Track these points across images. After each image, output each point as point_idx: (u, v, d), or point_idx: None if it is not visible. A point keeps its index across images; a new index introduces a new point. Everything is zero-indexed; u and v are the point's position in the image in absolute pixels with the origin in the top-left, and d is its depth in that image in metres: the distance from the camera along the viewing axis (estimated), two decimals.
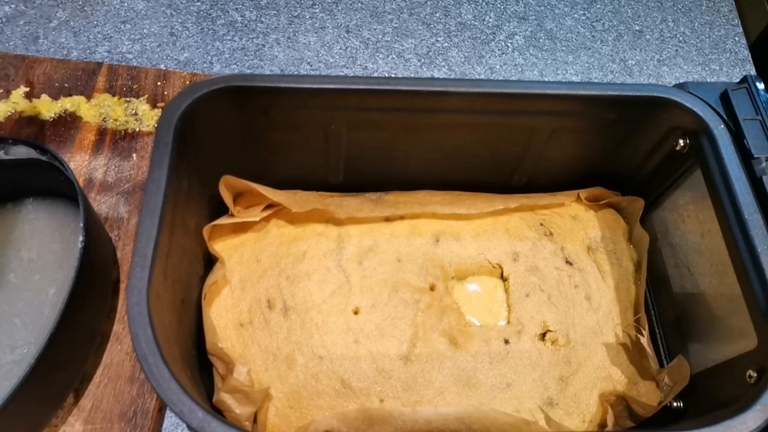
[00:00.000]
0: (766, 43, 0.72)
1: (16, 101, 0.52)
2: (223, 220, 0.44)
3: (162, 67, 0.59)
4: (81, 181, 0.49)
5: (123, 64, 0.58)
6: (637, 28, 0.69)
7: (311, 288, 0.44)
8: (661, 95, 0.42)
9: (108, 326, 0.43)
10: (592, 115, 0.43)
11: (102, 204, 0.48)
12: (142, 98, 0.53)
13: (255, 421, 0.40)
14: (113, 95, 0.53)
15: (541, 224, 0.48)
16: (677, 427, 0.38)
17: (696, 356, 0.41)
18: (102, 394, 0.40)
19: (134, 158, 0.50)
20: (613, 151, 0.47)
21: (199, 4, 0.64)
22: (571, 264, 0.47)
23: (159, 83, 0.54)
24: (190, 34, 0.62)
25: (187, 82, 0.55)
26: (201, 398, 0.33)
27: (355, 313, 0.44)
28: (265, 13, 0.64)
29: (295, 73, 0.61)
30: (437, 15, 0.66)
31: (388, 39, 0.64)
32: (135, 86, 0.54)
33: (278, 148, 0.45)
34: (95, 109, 0.52)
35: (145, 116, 0.52)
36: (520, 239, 0.47)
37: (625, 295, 0.47)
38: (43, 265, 0.43)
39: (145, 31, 0.61)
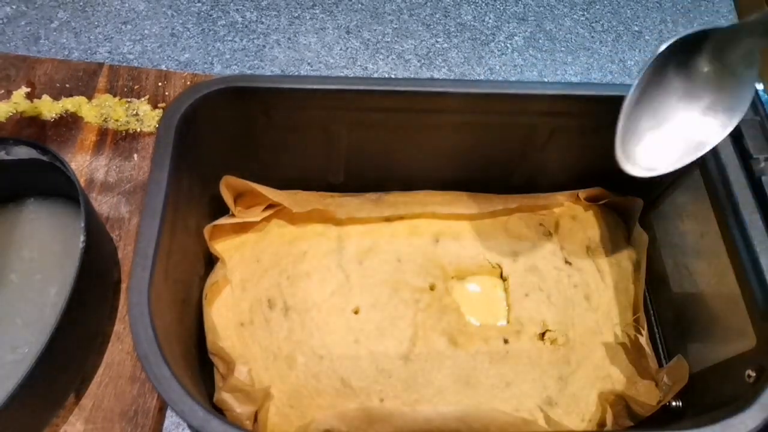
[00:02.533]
0: None
1: (18, 102, 0.52)
2: (224, 220, 0.44)
3: (163, 67, 0.59)
4: (82, 182, 0.49)
5: (124, 64, 0.58)
6: (636, 28, 0.69)
7: (311, 288, 0.44)
8: None
9: (109, 326, 0.43)
10: (592, 115, 0.43)
11: (103, 204, 0.48)
12: (143, 99, 0.54)
13: (255, 420, 0.40)
14: (114, 96, 0.53)
15: (541, 224, 0.48)
16: (676, 426, 0.38)
17: (695, 356, 0.41)
18: (103, 393, 0.41)
19: (135, 158, 0.50)
20: (613, 152, 0.47)
21: (200, 5, 0.64)
22: (570, 264, 0.47)
23: (160, 84, 0.54)
24: (190, 35, 0.62)
25: (188, 83, 0.55)
26: (202, 397, 0.33)
27: (355, 312, 0.44)
28: (265, 14, 0.65)
29: (296, 73, 0.61)
30: (437, 16, 0.67)
31: (388, 40, 0.64)
32: (136, 87, 0.54)
33: (278, 148, 0.45)
34: (96, 110, 0.52)
35: (146, 117, 0.53)
36: (520, 239, 0.47)
37: (624, 294, 0.47)
38: (44, 265, 0.43)
39: (146, 31, 0.61)
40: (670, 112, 0.36)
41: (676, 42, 0.33)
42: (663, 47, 0.33)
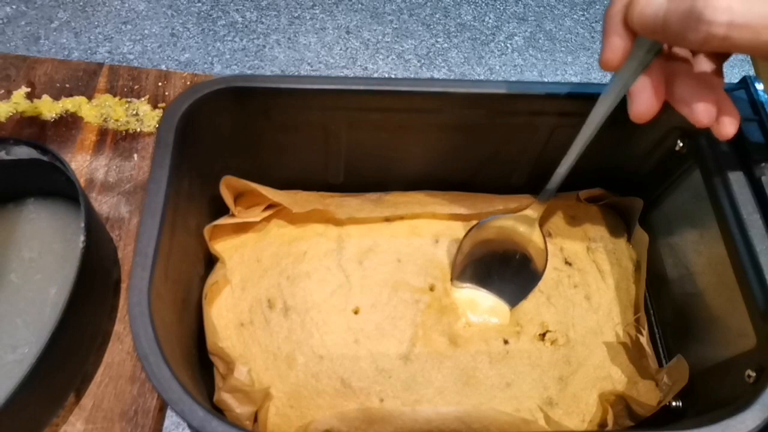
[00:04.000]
0: None
1: (18, 102, 0.52)
2: (224, 221, 0.44)
3: (163, 67, 0.59)
4: (82, 181, 0.49)
5: (124, 64, 0.58)
6: None
7: (311, 288, 0.44)
8: None
9: (109, 326, 0.43)
10: None
11: (103, 204, 0.48)
12: (143, 99, 0.54)
13: (255, 420, 0.40)
14: (114, 96, 0.53)
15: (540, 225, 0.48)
16: (676, 426, 0.38)
17: (695, 356, 0.41)
18: (103, 393, 0.41)
19: (135, 158, 0.51)
20: (612, 152, 0.47)
21: (200, 4, 0.64)
22: (570, 264, 0.47)
23: (160, 84, 0.54)
24: (190, 35, 0.62)
25: (188, 83, 0.55)
26: (202, 397, 0.33)
27: (355, 312, 0.44)
28: (265, 14, 0.65)
29: (296, 73, 0.61)
30: (437, 16, 0.67)
31: (388, 40, 0.64)
32: (136, 87, 0.54)
33: (279, 148, 0.45)
34: (96, 110, 0.52)
35: (146, 117, 0.53)
36: None
37: (624, 294, 0.47)
38: (44, 265, 0.43)
39: (146, 31, 0.61)
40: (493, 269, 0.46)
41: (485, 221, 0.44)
42: (481, 222, 0.44)
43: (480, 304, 0.45)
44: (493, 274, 0.45)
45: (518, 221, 0.44)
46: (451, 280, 0.45)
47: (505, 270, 0.46)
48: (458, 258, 0.45)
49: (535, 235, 0.44)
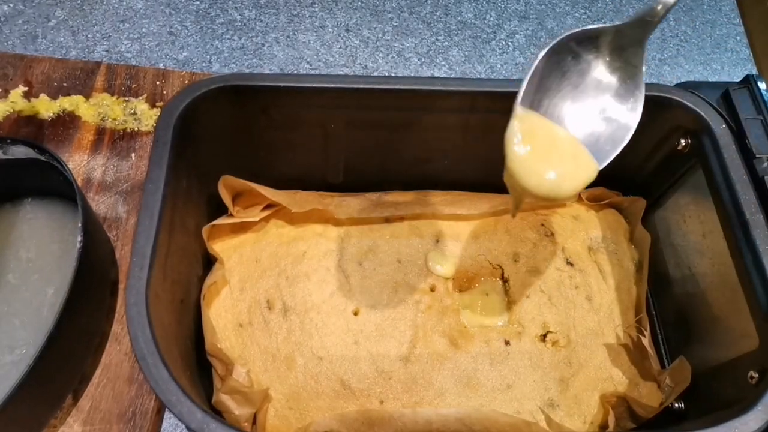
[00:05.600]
0: None
1: (15, 101, 0.52)
2: (222, 220, 0.44)
3: (161, 66, 0.58)
4: (79, 181, 0.49)
5: (122, 63, 0.57)
6: None
7: (311, 288, 0.44)
8: (662, 95, 0.41)
9: (107, 326, 0.43)
10: None
11: (100, 204, 0.48)
12: (140, 98, 0.53)
13: (254, 422, 0.40)
14: (112, 95, 0.53)
15: (542, 225, 0.48)
16: (678, 428, 0.38)
17: (697, 357, 0.41)
18: (101, 394, 0.40)
19: (133, 158, 0.50)
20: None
21: (198, 2, 0.64)
22: (571, 265, 0.47)
23: (158, 82, 0.54)
24: (189, 33, 0.61)
25: (186, 82, 0.54)
26: (200, 399, 0.33)
27: (355, 313, 0.43)
28: (264, 11, 0.64)
29: (295, 72, 0.60)
30: (438, 14, 0.66)
31: (388, 38, 0.64)
32: (134, 86, 0.54)
33: (277, 147, 0.45)
34: (94, 109, 0.52)
35: (144, 116, 0.52)
36: (521, 240, 0.47)
37: (626, 295, 0.46)
38: (41, 266, 0.43)
39: (144, 30, 0.61)
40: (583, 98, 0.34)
41: (569, 36, 0.32)
42: (558, 39, 0.32)
43: (559, 147, 0.33)
44: (576, 111, 0.33)
45: (619, 46, 0.32)
46: (516, 103, 0.32)
47: (592, 109, 0.34)
48: (530, 78, 0.32)
49: (634, 68, 0.33)
